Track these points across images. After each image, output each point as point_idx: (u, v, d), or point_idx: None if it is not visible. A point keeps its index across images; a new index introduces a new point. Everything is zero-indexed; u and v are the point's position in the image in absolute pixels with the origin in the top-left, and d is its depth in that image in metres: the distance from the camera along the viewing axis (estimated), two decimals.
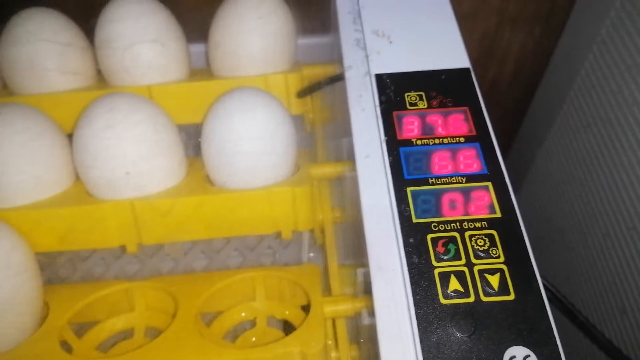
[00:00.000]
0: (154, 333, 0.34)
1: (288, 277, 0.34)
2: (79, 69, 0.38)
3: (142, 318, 0.35)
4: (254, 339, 0.34)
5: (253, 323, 0.35)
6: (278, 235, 0.36)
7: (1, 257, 0.28)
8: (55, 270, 0.42)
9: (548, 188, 0.61)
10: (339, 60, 0.36)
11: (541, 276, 0.26)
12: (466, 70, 0.32)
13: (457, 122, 0.29)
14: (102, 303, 0.34)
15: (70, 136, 0.35)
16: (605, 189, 0.50)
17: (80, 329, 0.35)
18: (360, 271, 0.29)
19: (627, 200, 0.47)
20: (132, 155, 0.31)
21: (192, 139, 0.45)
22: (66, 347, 0.32)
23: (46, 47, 0.37)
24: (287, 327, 0.35)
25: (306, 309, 0.34)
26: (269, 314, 0.35)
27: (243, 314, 0.35)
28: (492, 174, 0.27)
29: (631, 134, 0.46)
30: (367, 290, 0.28)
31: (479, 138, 0.29)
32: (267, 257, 0.42)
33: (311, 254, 0.43)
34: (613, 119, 0.48)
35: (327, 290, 0.35)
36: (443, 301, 0.24)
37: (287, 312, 0.35)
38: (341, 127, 0.37)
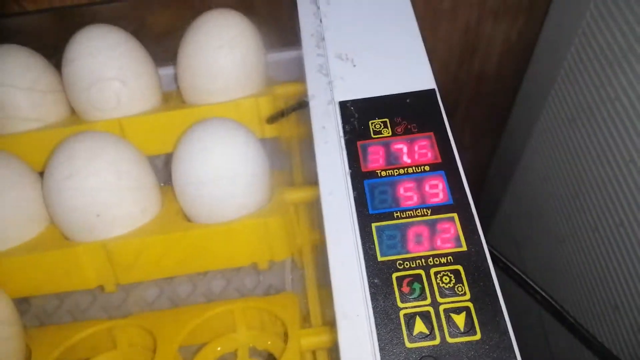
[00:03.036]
0: None
1: (267, 308, 0.34)
2: (42, 115, 0.38)
3: (125, 356, 0.35)
4: None
5: (236, 354, 0.35)
6: (255, 265, 0.36)
7: None
8: (42, 305, 0.42)
9: (538, 181, 0.61)
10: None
11: (530, 279, 0.26)
12: (431, 91, 0.31)
13: (422, 149, 0.29)
14: (84, 343, 0.34)
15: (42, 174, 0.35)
16: (592, 183, 0.49)
17: None
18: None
19: (613, 195, 0.46)
20: (97, 202, 0.31)
21: (169, 164, 0.44)
22: None
23: (14, 93, 0.36)
24: (271, 358, 0.35)
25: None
26: (250, 344, 0.35)
27: (222, 348, 0.35)
28: (457, 204, 0.27)
29: (614, 128, 0.45)
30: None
31: (444, 165, 0.28)
32: (251, 278, 0.42)
33: (302, 271, 0.43)
34: (596, 113, 0.48)
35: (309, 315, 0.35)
36: (409, 345, 0.23)
37: (269, 342, 0.35)
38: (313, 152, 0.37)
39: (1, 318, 0.31)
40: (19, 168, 0.35)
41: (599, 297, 0.49)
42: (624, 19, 0.43)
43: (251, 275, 0.42)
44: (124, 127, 0.38)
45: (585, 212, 0.51)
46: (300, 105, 0.33)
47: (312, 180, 0.38)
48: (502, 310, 0.24)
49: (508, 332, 0.23)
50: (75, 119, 0.41)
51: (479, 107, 0.68)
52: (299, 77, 0.42)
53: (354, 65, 0.33)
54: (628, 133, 0.43)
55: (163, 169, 0.43)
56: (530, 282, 0.32)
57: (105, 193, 0.31)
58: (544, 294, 0.32)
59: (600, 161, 0.48)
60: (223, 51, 0.36)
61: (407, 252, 0.26)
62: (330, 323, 0.32)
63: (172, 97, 0.42)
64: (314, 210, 0.37)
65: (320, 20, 0.35)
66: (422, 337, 0.23)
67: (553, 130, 0.56)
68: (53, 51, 0.41)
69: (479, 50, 0.64)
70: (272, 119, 0.38)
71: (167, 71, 0.44)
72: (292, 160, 0.42)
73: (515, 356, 0.23)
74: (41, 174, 0.36)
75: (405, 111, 0.30)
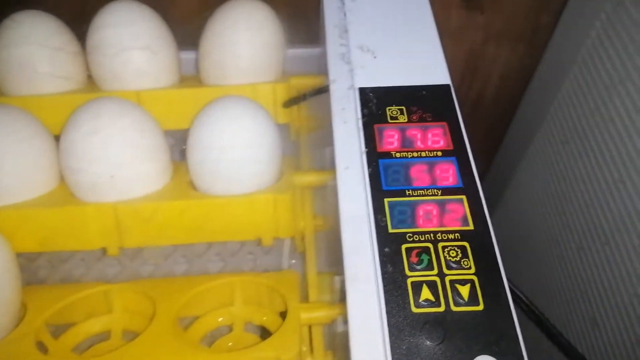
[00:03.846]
0: (131, 336, 0.34)
1: (266, 283, 0.34)
2: (69, 74, 0.39)
3: (120, 320, 0.35)
4: (230, 344, 0.35)
5: (231, 328, 0.36)
6: (259, 241, 0.37)
7: None
8: (35, 271, 0.42)
9: (527, 201, 0.63)
10: (325, 72, 0.37)
11: (516, 287, 0.27)
12: (446, 86, 0.33)
13: (435, 137, 0.30)
14: (79, 305, 0.34)
15: (57, 138, 0.36)
16: (580, 203, 0.51)
17: (57, 331, 0.35)
18: (337, 278, 0.30)
19: (601, 215, 0.48)
20: (117, 160, 0.32)
21: (179, 143, 0.45)
22: (42, 348, 0.32)
23: (37, 50, 0.37)
24: (265, 333, 0.36)
25: (284, 315, 0.35)
26: (246, 319, 0.35)
27: (220, 319, 0.35)
28: (467, 188, 0.28)
29: (606, 151, 0.47)
30: (344, 297, 0.29)
31: (456, 152, 0.30)
32: (247, 263, 0.43)
33: (293, 261, 0.44)
34: (590, 136, 0.50)
35: (306, 298, 0.35)
36: (414, 310, 0.24)
37: (265, 318, 0.35)
38: (325, 137, 0.38)
39: (2, 270, 0.31)
40: (35, 125, 0.35)
41: (579, 312, 0.51)
42: (623, 47, 0.45)
43: (247, 260, 0.43)
44: (142, 99, 0.39)
45: (572, 231, 0.53)
46: (321, 90, 0.35)
47: (319, 167, 0.39)
48: (504, 285, 0.25)
49: (509, 305, 0.24)
50: (92, 87, 0.41)
51: (475, 126, 0.70)
52: (313, 72, 0.44)
53: (375, 57, 0.34)
54: (619, 154, 0.45)
55: (173, 146, 0.44)
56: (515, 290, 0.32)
57: (128, 150, 0.31)
58: (527, 302, 0.32)
59: (590, 181, 0.50)
60: (250, 33, 0.37)
61: (417, 227, 0.27)
62: (331, 303, 0.33)
63: (190, 80, 0.44)
64: (321, 195, 0.39)
65: (345, 14, 0.37)
66: (428, 304, 0.24)
67: (546, 152, 0.58)
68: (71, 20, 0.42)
69: (479, 73, 0.67)
70: (290, 103, 0.39)
71: (185, 55, 0.45)
72: (300, 148, 0.43)
73: (515, 327, 0.24)
74: (56, 137, 0.36)
75: (421, 101, 0.32)
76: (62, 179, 0.36)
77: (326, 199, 0.35)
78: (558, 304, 0.54)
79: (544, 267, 0.57)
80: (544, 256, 0.57)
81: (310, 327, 0.33)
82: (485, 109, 0.69)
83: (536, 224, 0.59)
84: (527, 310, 0.32)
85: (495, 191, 0.70)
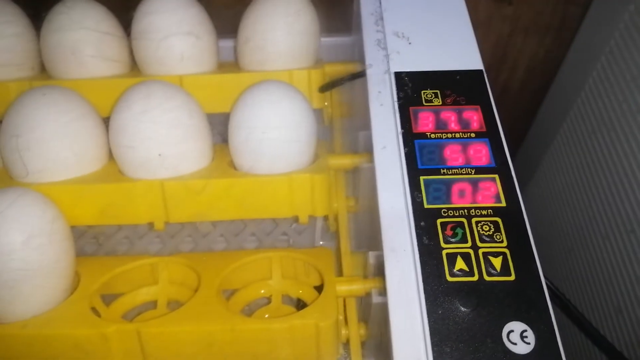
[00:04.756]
0: (175, 306, 0.37)
1: (303, 258, 0.36)
2: (116, 57, 0.41)
3: (165, 291, 0.37)
4: (267, 315, 0.37)
5: (268, 301, 0.38)
6: (295, 220, 0.39)
7: (46, 224, 0.31)
8: (81, 246, 0.44)
9: (552, 191, 0.63)
10: (359, 59, 0.39)
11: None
12: (479, 71, 0.34)
13: (469, 119, 0.32)
14: (128, 275, 0.37)
15: (104, 120, 0.38)
16: (606, 193, 0.52)
17: (106, 300, 0.37)
18: (372, 254, 0.32)
19: (627, 205, 0.49)
20: (165, 138, 0.34)
21: (215, 127, 0.47)
22: (96, 313, 0.34)
23: (87, 34, 0.40)
24: (300, 306, 0.37)
25: (319, 289, 0.37)
26: (283, 292, 0.37)
27: (262, 291, 0.37)
28: (499, 167, 0.30)
29: (634, 141, 0.48)
30: (378, 272, 0.31)
31: (489, 134, 0.31)
32: (281, 243, 0.45)
33: (321, 242, 0.46)
34: (617, 127, 0.51)
35: (339, 274, 0.37)
36: (449, 279, 0.26)
37: (301, 291, 0.37)
38: (359, 121, 0.40)
39: (64, 236, 0.33)
40: (86, 106, 0.37)
41: (603, 299, 0.52)
42: None
43: (281, 240, 0.45)
44: (184, 83, 0.41)
45: (597, 220, 0.53)
46: (358, 75, 0.36)
47: (352, 152, 0.41)
48: (535, 258, 0.26)
49: (539, 276, 0.26)
50: (137, 72, 0.44)
51: (501, 117, 0.71)
52: (347, 60, 0.46)
53: (410, 43, 0.36)
54: None
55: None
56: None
57: (175, 130, 0.33)
58: (552, 287, 0.33)
59: (616, 171, 0.50)
60: (290, 19, 0.39)
61: (451, 203, 0.28)
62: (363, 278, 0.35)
63: (228, 65, 0.46)
64: (354, 178, 0.40)
65: (380, 2, 0.38)
66: (462, 273, 0.26)
67: (572, 142, 0.59)
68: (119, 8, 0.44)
69: (506, 64, 0.67)
70: (327, 87, 0.41)
71: (222, 43, 0.47)
72: (333, 133, 0.45)
73: (545, 297, 0.25)
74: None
75: (454, 85, 0.33)
76: (109, 157, 0.38)
77: (360, 180, 0.37)
78: (583, 291, 0.55)
79: (569, 254, 0.58)
80: (569, 244, 0.58)
81: (344, 300, 0.35)
82: (511, 100, 0.70)
83: (561, 213, 0.60)
84: (551, 294, 0.34)
85: (520, 181, 0.70)
